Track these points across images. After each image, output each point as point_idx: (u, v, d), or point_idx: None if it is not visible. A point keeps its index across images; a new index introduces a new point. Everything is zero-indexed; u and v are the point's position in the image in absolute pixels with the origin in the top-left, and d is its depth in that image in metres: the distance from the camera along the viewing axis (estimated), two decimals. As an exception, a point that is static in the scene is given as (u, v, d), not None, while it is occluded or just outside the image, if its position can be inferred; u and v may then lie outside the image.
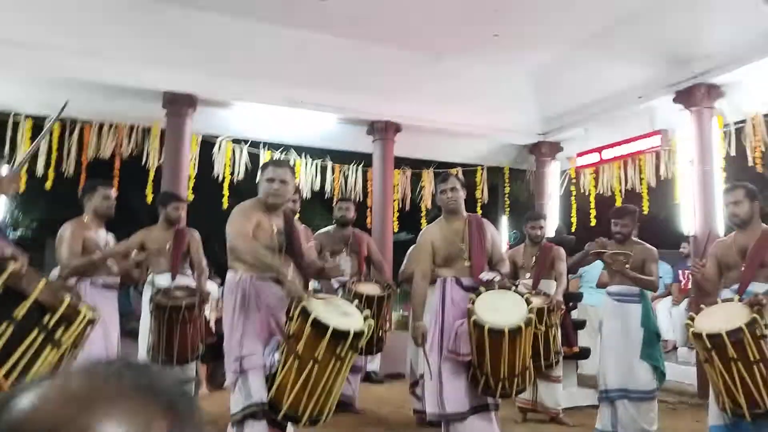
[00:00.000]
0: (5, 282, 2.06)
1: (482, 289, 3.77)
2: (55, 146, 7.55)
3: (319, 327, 3.05)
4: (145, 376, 0.64)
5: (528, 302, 3.73)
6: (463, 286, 3.91)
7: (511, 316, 3.58)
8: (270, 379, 3.26)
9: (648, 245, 4.68)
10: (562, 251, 5.45)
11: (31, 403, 0.58)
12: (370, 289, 5.12)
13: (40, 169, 7.52)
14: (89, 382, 0.62)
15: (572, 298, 6.19)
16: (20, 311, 2.07)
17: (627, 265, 4.43)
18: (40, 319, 2.12)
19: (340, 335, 3.05)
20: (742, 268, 3.66)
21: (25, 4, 6.10)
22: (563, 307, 5.29)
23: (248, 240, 3.34)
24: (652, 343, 4.47)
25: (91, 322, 2.39)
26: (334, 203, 6.19)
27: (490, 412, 3.84)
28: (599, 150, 8.06)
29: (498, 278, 3.87)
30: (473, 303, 3.65)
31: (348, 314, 3.28)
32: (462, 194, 4.06)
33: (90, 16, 6.36)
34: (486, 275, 3.86)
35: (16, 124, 7.40)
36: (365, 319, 3.24)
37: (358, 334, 3.10)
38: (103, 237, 4.21)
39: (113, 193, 4.26)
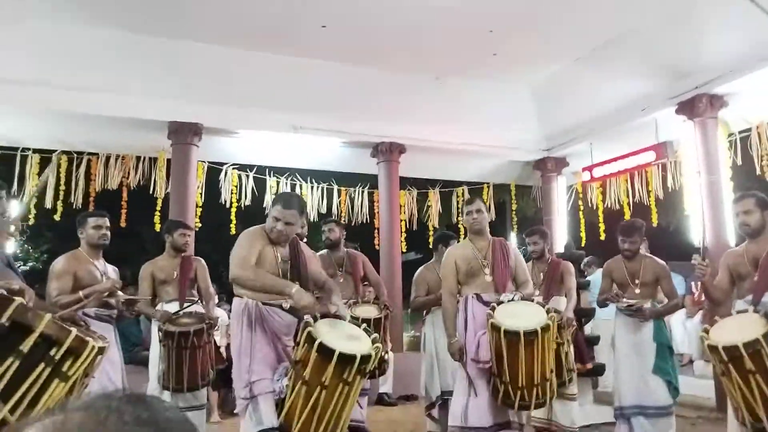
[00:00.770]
0: (11, 316, 2.05)
1: (504, 298, 3.87)
2: (63, 179, 7.62)
3: (326, 352, 3.01)
4: (145, 410, 0.64)
5: (548, 312, 3.77)
6: (484, 302, 3.98)
7: (528, 321, 3.64)
8: (279, 405, 3.24)
9: (658, 260, 4.63)
10: (570, 266, 5.40)
11: None
12: (367, 311, 5.06)
13: (48, 201, 7.58)
14: (89, 418, 0.61)
15: (584, 314, 6.11)
16: (26, 345, 2.05)
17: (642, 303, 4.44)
18: (47, 352, 2.11)
19: (346, 360, 3.01)
20: (755, 278, 3.61)
21: (31, 41, 6.20)
22: (574, 323, 5.23)
23: (248, 268, 3.33)
24: (665, 357, 4.41)
25: (101, 351, 2.38)
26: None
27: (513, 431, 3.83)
28: (605, 164, 8.04)
29: (519, 297, 3.94)
30: (493, 310, 3.75)
31: (355, 338, 3.24)
32: (486, 216, 4.24)
33: (94, 51, 6.46)
34: (506, 296, 3.93)
35: (24, 159, 7.48)
36: (373, 342, 3.21)
37: (366, 358, 3.05)
38: (101, 268, 4.16)
39: (106, 221, 4.20)
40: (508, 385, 3.68)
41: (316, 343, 3.02)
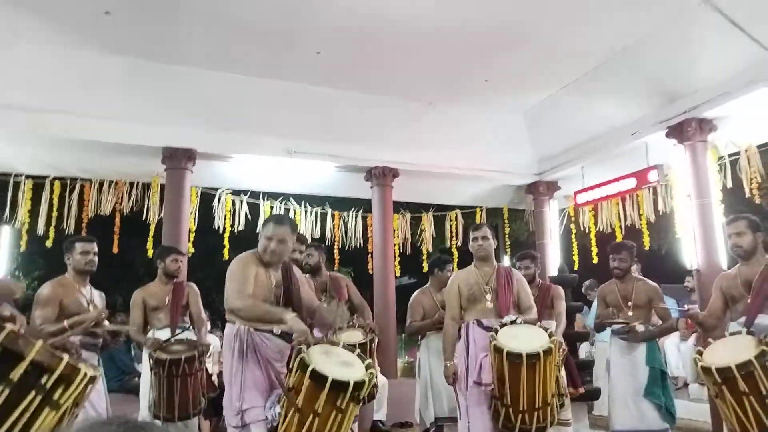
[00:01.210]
0: (2, 343, 2.03)
1: (507, 320, 3.91)
2: (55, 205, 7.59)
3: (318, 378, 2.97)
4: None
5: (551, 335, 3.78)
6: (485, 327, 4.01)
7: (530, 344, 3.65)
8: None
9: (649, 281, 4.65)
10: (560, 290, 5.41)
11: None
12: (352, 336, 5.00)
13: (40, 228, 7.55)
14: None
15: (578, 338, 6.10)
16: (16, 373, 2.02)
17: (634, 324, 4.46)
18: (38, 380, 2.07)
19: (339, 386, 2.97)
20: (748, 301, 3.63)
21: (24, 66, 6.23)
22: (565, 347, 5.21)
23: (245, 298, 3.29)
24: (657, 382, 4.40)
25: (92, 380, 2.35)
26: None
27: None
28: (596, 187, 8.10)
29: (520, 320, 3.96)
30: (496, 332, 3.77)
31: (348, 364, 3.19)
32: (492, 243, 4.30)
33: (87, 76, 6.49)
34: (509, 318, 3.96)
35: (16, 185, 7.47)
36: (367, 368, 3.16)
37: (359, 385, 3.00)
38: (88, 295, 4.11)
39: (93, 247, 4.15)
40: (509, 408, 3.68)
41: (309, 369, 2.98)
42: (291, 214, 8.87)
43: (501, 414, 3.74)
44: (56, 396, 2.11)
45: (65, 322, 3.79)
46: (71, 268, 4.09)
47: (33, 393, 2.05)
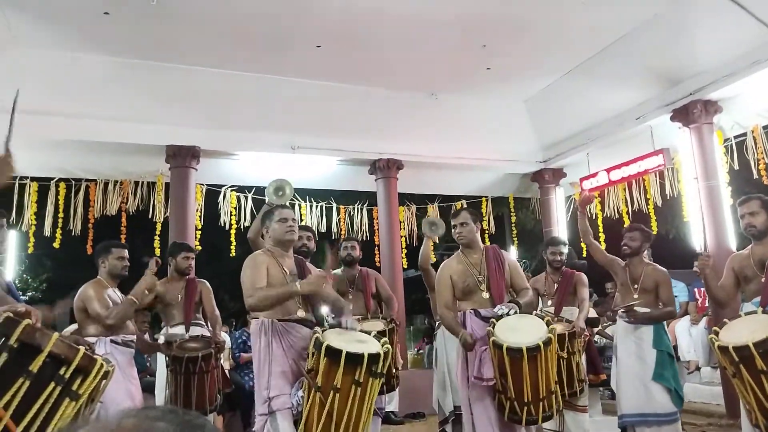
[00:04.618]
0: (19, 337, 2.04)
1: (498, 311, 3.81)
2: (61, 206, 7.60)
3: (333, 354, 3.06)
4: (193, 416, 0.70)
5: (548, 323, 3.72)
6: (482, 317, 3.92)
7: (529, 336, 3.59)
8: (298, 421, 3.24)
9: (659, 267, 4.62)
10: (584, 277, 5.39)
11: None
12: (374, 326, 5.02)
13: (47, 229, 7.56)
14: (142, 422, 0.65)
15: (590, 323, 6.08)
16: (35, 365, 2.05)
17: (640, 308, 4.42)
18: (57, 371, 2.11)
19: (354, 359, 3.06)
20: (762, 280, 3.61)
21: (28, 69, 6.22)
22: (587, 333, 5.20)
23: (256, 292, 3.36)
24: (665, 365, 4.36)
25: (106, 374, 2.36)
26: (340, 243, 6.12)
27: None
28: (602, 173, 8.07)
29: (513, 311, 3.82)
30: (493, 327, 3.69)
31: (363, 341, 3.30)
32: (474, 227, 4.13)
33: (90, 77, 6.50)
34: (500, 308, 3.84)
35: (22, 187, 7.47)
36: (383, 344, 3.25)
37: (374, 357, 3.10)
38: (119, 297, 4.16)
39: (127, 252, 4.22)
40: (514, 401, 3.63)
41: (323, 346, 3.07)
42: (296, 208, 8.86)
43: (506, 407, 3.70)
44: (75, 387, 2.14)
45: (130, 296, 3.95)
46: (105, 272, 4.11)
47: (53, 384, 2.09)
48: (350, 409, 3.07)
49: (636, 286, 4.56)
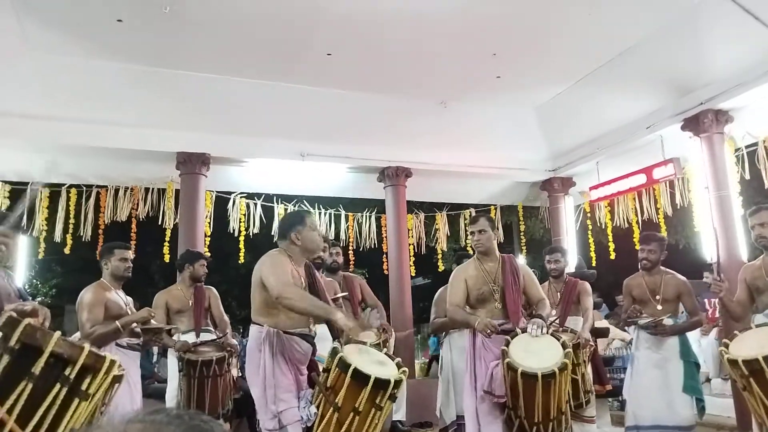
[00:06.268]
0: (20, 338, 2.02)
1: (518, 330, 3.75)
2: (72, 212, 7.66)
3: (360, 377, 3.04)
4: (202, 421, 0.69)
5: (564, 346, 3.66)
6: None
7: (545, 360, 3.55)
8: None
9: (679, 276, 4.54)
10: (587, 286, 5.35)
11: None
12: (365, 337, 4.98)
13: (58, 235, 7.61)
14: (152, 426, 0.65)
15: (598, 334, 6.04)
16: (37, 367, 2.01)
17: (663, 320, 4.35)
18: (62, 372, 2.06)
19: (381, 384, 3.05)
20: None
21: (39, 75, 6.29)
22: (592, 344, 5.15)
23: (293, 286, 3.23)
24: (693, 375, 4.31)
25: (118, 378, 2.35)
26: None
27: None
28: (612, 182, 8.03)
29: (543, 330, 3.71)
30: (508, 345, 3.64)
31: (383, 363, 3.27)
32: (491, 235, 4.09)
33: (101, 84, 6.55)
34: (534, 330, 3.72)
35: (33, 193, 7.53)
36: (398, 366, 3.25)
37: (398, 383, 3.11)
38: (123, 299, 4.19)
39: (130, 254, 4.23)
40: (524, 419, 3.62)
41: (351, 368, 3.04)
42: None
43: (515, 424, 3.68)
44: (84, 386, 2.09)
45: (117, 323, 3.82)
46: (108, 274, 4.12)
47: (58, 386, 2.04)
48: (366, 430, 3.07)
49: (657, 297, 4.49)
